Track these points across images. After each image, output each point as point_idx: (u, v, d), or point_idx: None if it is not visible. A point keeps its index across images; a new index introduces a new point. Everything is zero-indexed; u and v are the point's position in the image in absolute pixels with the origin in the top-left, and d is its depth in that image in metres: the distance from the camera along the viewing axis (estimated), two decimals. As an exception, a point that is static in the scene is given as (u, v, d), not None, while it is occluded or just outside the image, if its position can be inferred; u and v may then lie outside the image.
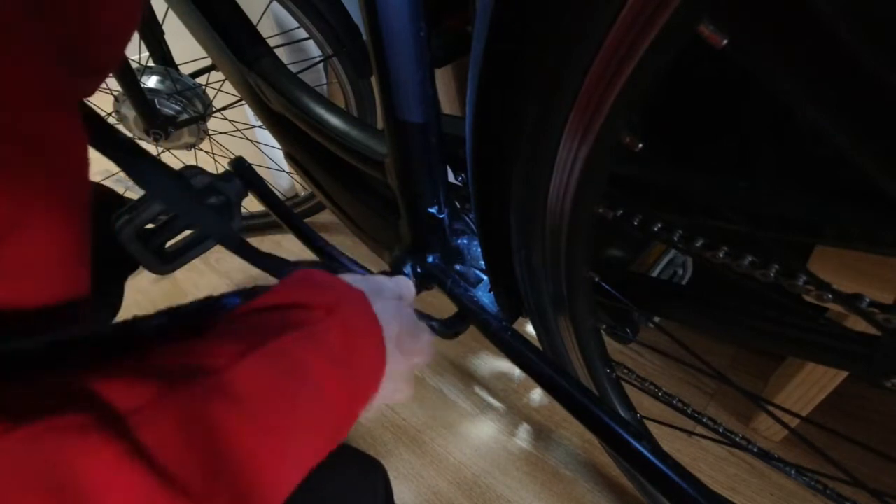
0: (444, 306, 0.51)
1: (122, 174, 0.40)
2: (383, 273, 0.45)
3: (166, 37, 0.85)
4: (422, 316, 0.44)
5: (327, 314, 0.29)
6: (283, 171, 1.17)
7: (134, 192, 0.41)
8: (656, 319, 0.47)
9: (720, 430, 0.49)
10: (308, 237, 0.56)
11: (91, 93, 0.33)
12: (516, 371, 0.89)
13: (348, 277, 0.36)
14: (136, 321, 0.26)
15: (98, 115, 0.35)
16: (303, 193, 1.21)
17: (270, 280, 0.40)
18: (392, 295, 0.38)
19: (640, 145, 0.28)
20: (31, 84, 0.20)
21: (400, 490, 0.77)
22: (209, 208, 0.44)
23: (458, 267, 0.51)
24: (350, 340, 0.29)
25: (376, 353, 0.32)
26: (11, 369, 0.21)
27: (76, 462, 0.17)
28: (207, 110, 0.94)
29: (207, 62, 0.82)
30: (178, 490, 0.19)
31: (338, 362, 0.28)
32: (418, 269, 0.51)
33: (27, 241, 0.21)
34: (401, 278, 0.42)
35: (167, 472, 0.19)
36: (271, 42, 0.65)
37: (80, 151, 0.25)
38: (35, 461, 0.16)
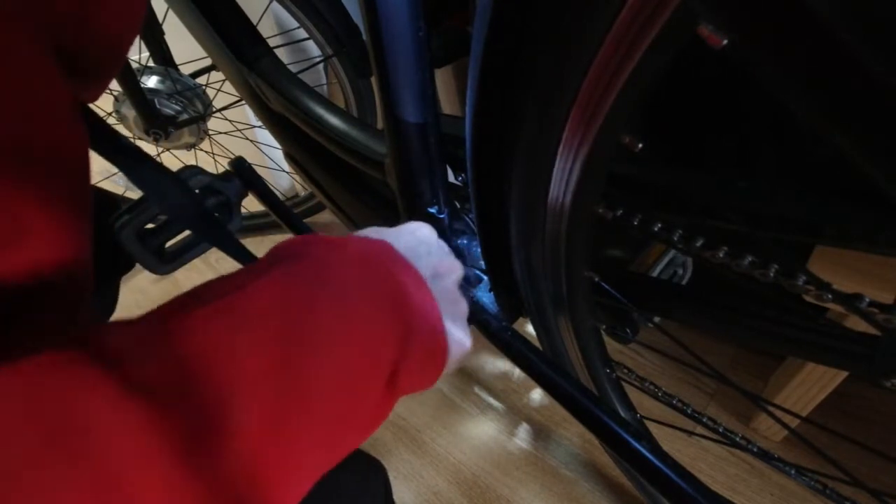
0: (443, 306, 0.51)
1: (121, 174, 0.40)
2: None
3: (166, 37, 0.85)
4: None
5: (338, 247, 0.27)
6: (283, 171, 1.17)
7: (133, 192, 0.41)
8: (656, 319, 0.47)
9: (720, 430, 0.49)
10: (308, 237, 0.56)
11: (95, 98, 0.33)
12: (516, 371, 0.89)
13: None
14: None
15: (96, 116, 0.35)
16: (303, 193, 1.21)
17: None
18: (426, 236, 0.35)
19: (640, 145, 0.28)
20: (29, 91, 0.20)
21: (400, 490, 0.77)
22: (207, 211, 0.44)
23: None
24: (367, 267, 0.27)
25: (412, 290, 0.28)
26: None
27: (73, 397, 0.16)
28: (207, 110, 0.94)
29: (207, 62, 0.82)
30: (179, 424, 0.18)
31: (360, 288, 0.26)
32: (418, 269, 0.51)
33: (31, 249, 0.21)
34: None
35: (166, 406, 0.18)
36: (271, 42, 0.65)
37: (82, 156, 0.24)
38: (30, 397, 0.16)
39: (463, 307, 0.34)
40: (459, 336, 0.32)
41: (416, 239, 0.34)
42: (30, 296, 0.21)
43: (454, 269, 0.35)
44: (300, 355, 0.22)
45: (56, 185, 0.22)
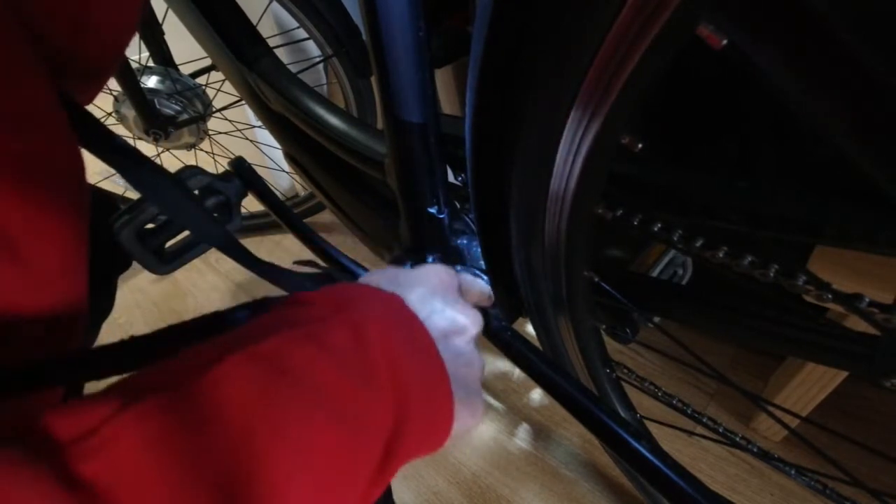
0: (443, 306, 0.51)
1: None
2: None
3: (166, 37, 0.85)
4: None
5: (333, 312, 0.24)
6: (283, 171, 1.17)
7: (133, 192, 0.41)
8: (656, 319, 0.47)
9: (720, 430, 0.49)
10: (308, 237, 0.56)
11: (91, 99, 0.33)
12: (516, 371, 0.89)
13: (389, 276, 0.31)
14: (134, 340, 0.24)
15: (92, 117, 0.35)
16: (303, 193, 1.22)
17: (275, 287, 0.40)
18: (444, 286, 0.32)
19: (640, 145, 0.28)
20: (20, 96, 0.20)
21: (400, 490, 0.77)
22: (207, 212, 0.44)
23: (458, 267, 0.51)
24: (363, 342, 0.23)
25: (416, 361, 0.25)
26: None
27: (8, 499, 0.15)
28: (207, 110, 0.94)
29: (207, 62, 0.82)
30: None
31: (348, 368, 0.22)
32: (418, 269, 0.51)
33: (27, 255, 0.20)
34: (473, 279, 0.36)
35: None
36: (271, 42, 0.65)
37: (75, 162, 0.24)
38: None
39: (476, 369, 0.31)
40: (471, 402, 0.28)
41: (431, 289, 0.31)
42: (25, 304, 0.21)
43: (470, 327, 0.32)
44: (267, 461, 0.19)
45: (50, 193, 0.21)
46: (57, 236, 0.22)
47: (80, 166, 0.24)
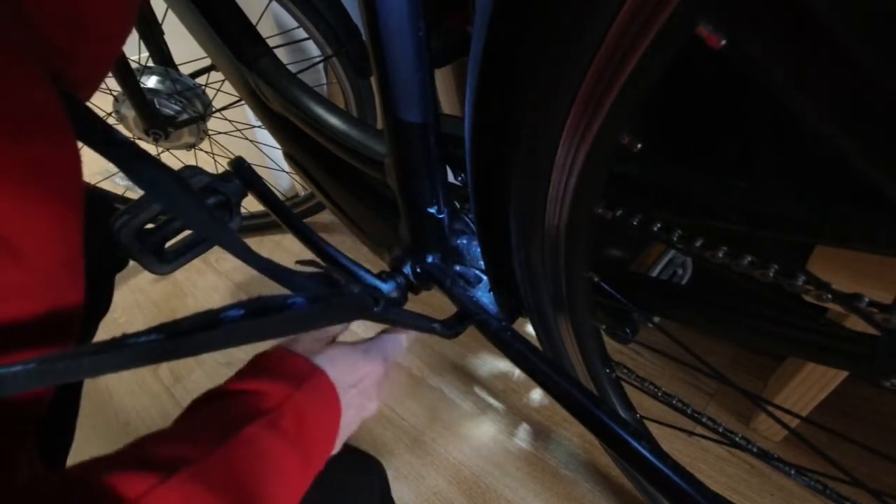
0: (444, 306, 0.51)
1: (121, 174, 0.40)
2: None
3: (166, 37, 0.85)
4: (421, 317, 0.44)
5: (283, 400, 0.35)
6: (283, 171, 1.17)
7: (133, 192, 0.41)
8: (656, 319, 0.47)
9: (720, 430, 0.49)
10: (308, 237, 0.56)
11: (87, 98, 0.33)
12: (516, 371, 0.89)
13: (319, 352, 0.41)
14: (126, 339, 0.26)
15: (95, 114, 0.35)
16: (303, 193, 1.22)
17: (272, 283, 0.40)
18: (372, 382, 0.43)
19: (640, 145, 0.28)
20: (14, 102, 0.20)
21: (400, 490, 0.77)
22: (209, 210, 0.44)
23: (457, 267, 0.51)
24: (303, 421, 0.35)
25: (329, 425, 0.38)
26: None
27: None
28: (207, 110, 0.94)
29: (207, 62, 0.82)
30: None
31: (294, 443, 0.33)
32: (418, 270, 0.51)
33: (26, 255, 0.20)
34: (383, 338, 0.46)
35: None
36: (271, 42, 0.65)
37: (71, 159, 0.24)
38: None
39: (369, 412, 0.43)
40: (349, 430, 0.41)
41: (357, 378, 0.41)
42: (22, 304, 0.21)
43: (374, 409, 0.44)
44: None
45: (47, 193, 0.21)
46: (54, 236, 0.22)
47: (77, 166, 0.24)
